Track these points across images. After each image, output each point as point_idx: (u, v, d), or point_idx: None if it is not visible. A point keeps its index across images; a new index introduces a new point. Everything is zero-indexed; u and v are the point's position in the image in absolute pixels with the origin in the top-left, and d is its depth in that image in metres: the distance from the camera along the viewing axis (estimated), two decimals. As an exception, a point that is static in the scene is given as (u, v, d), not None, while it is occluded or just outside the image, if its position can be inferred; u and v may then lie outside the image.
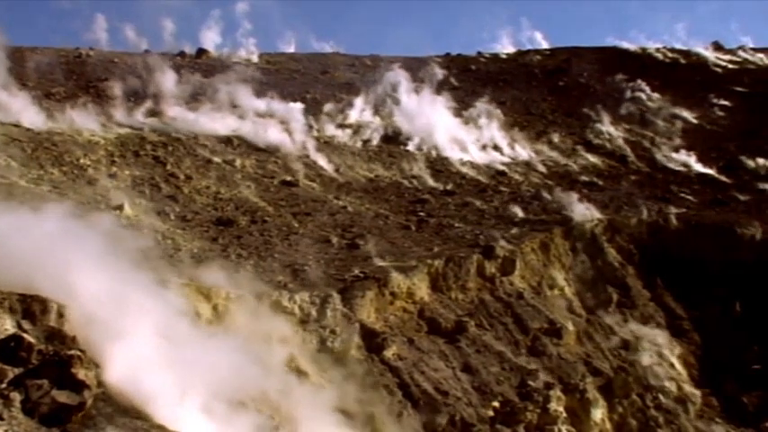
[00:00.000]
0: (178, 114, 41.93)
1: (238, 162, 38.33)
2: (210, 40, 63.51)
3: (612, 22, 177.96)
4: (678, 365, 29.82)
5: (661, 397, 27.44)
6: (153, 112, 41.54)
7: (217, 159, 37.92)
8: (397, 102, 51.17)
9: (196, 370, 14.69)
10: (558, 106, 60.17)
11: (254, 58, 62.71)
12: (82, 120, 37.65)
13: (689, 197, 41.20)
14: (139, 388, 13.12)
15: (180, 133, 39.74)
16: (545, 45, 79.71)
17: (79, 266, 14.29)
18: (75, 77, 46.94)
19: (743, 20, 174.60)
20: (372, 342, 23.84)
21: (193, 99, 44.69)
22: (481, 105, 54.38)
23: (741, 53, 79.40)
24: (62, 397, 11.58)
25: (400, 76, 53.29)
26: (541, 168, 47.26)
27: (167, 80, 46.80)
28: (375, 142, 46.55)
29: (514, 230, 33.25)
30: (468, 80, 63.06)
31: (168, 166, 35.30)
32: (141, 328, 14.11)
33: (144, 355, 13.75)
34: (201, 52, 61.03)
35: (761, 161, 49.27)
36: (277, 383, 19.04)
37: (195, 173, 35.55)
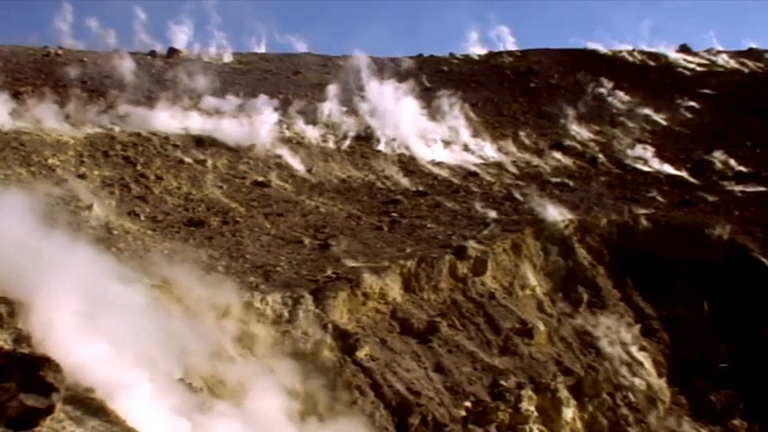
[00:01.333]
0: (148, 114, 41.56)
1: (210, 162, 38.12)
2: (181, 38, 63.20)
3: (578, 22, 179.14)
4: (648, 364, 30.07)
5: (631, 396, 27.66)
6: (123, 112, 41.14)
7: (188, 159, 37.70)
8: (369, 102, 51.13)
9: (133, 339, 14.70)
10: (529, 107, 60.51)
11: (226, 58, 62.47)
12: (50, 119, 37.25)
13: (658, 198, 41.60)
14: (70, 355, 13.06)
15: (150, 133, 39.44)
16: (511, 40, 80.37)
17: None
18: (44, 76, 46.43)
19: (706, 18, 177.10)
20: (345, 343, 23.80)
21: (164, 99, 44.34)
22: (453, 106, 54.53)
23: (708, 56, 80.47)
24: (30, 400, 11.40)
25: (372, 77, 53.28)
26: (513, 169, 47.47)
27: (137, 80, 46.49)
28: (347, 143, 46.49)
29: (486, 231, 33.36)
30: (440, 81, 63.19)
31: (138, 167, 35.04)
32: (70, 291, 14.07)
33: (73, 318, 13.74)
34: (173, 51, 60.63)
35: (728, 162, 49.95)
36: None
37: (166, 173, 35.32)
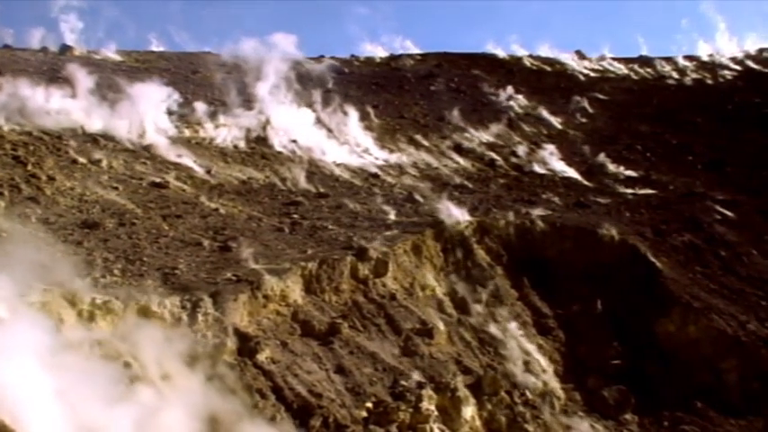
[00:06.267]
0: (40, 113, 40.17)
1: (105, 162, 37.09)
2: (74, 35, 61.42)
3: (456, 20, 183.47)
4: (544, 362, 30.72)
5: (528, 393, 28.12)
6: (13, 110, 39.59)
7: (82, 159, 36.59)
8: (270, 103, 50.78)
9: None
10: (430, 110, 61.32)
11: (122, 56, 61.06)
12: (-67, 117, 35.64)
13: (554, 200, 42.67)
14: None
15: (42, 132, 38.14)
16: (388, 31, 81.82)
17: None
18: (-73, 72, 44.37)
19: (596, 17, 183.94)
20: (245, 346, 23.53)
21: (57, 97, 42.89)
22: (354, 108, 54.72)
23: (601, 62, 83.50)
24: None
25: (273, 78, 52.94)
26: (413, 171, 47.96)
27: (28, 77, 44.83)
28: (248, 144, 46.04)
29: (387, 232, 33.51)
30: (342, 83, 63.36)
31: (29, 167, 33.76)
32: None
33: None
34: (66, 49, 58.89)
35: (620, 166, 51.80)
36: None
37: (59, 173, 34.16)
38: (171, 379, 20.54)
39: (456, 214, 35.80)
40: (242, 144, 45.88)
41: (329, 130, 51.18)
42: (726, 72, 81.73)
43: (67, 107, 42.04)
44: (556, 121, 62.40)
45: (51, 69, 50.12)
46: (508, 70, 76.21)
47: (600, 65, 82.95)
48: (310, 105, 52.71)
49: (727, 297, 33.23)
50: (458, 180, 46.60)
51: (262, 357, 23.44)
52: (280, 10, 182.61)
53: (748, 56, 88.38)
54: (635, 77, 79.73)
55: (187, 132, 45.06)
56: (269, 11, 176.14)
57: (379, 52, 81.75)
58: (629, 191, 46.58)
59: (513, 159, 53.01)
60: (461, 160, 51.50)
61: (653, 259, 34.83)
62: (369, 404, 23.64)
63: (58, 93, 43.24)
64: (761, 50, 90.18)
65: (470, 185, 45.62)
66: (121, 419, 16.14)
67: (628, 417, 29.15)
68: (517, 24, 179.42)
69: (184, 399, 19.22)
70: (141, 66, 59.65)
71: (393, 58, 79.03)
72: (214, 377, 21.56)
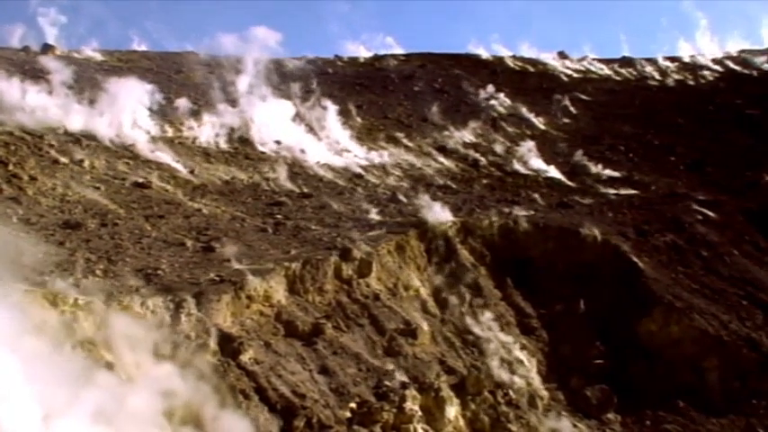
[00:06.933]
0: (22, 112, 39.86)
1: (87, 162, 36.86)
2: (52, 29, 61.06)
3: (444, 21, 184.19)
4: (527, 362, 30.79)
5: (511, 393, 28.19)
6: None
7: (64, 159, 36.35)
8: (253, 103, 50.64)
9: None
10: (413, 111, 61.35)
11: (105, 56, 60.72)
12: None
13: (537, 200, 42.80)
14: None
15: (23, 132, 37.86)
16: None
17: None
18: None
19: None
20: (228, 346, 23.45)
21: (38, 96, 42.58)
22: (338, 108, 54.67)
23: (584, 63, 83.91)
24: None
25: (256, 78, 52.81)
26: (397, 171, 47.96)
27: (9, 75, 44.49)
28: (231, 144, 45.89)
29: (371, 232, 33.50)
30: (326, 83, 63.28)
31: (10, 167, 33.47)
32: None
33: None
34: (47, 48, 58.51)
35: (602, 166, 52.02)
36: None
37: (40, 173, 33.90)
38: (143, 367, 20.49)
39: (439, 214, 35.83)
40: (225, 144, 45.73)
41: (312, 130, 51.11)
42: (707, 73, 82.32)
43: (48, 107, 41.71)
44: (539, 122, 62.65)
45: (32, 68, 49.75)
46: (491, 71, 76.38)
47: (582, 65, 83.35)
48: (293, 104, 52.56)
49: (708, 297, 33.48)
50: (441, 180, 46.68)
51: (245, 358, 23.36)
52: (259, 6, 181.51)
53: (729, 57, 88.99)
54: (617, 78, 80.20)
55: (170, 132, 44.84)
56: (248, 7, 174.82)
57: (362, 51, 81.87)
58: (612, 191, 46.81)
59: (497, 160, 53.13)
60: (445, 160, 51.59)
61: (635, 259, 35.04)
62: (352, 404, 23.64)
63: (39, 91, 42.91)
64: (741, 52, 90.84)
65: (454, 185, 45.71)
66: (86, 403, 16.07)
67: (610, 416, 29.31)
68: (498, 23, 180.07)
69: (154, 385, 19.14)
70: (124, 65, 59.35)
71: (377, 58, 79.05)
72: (188, 366, 21.45)
